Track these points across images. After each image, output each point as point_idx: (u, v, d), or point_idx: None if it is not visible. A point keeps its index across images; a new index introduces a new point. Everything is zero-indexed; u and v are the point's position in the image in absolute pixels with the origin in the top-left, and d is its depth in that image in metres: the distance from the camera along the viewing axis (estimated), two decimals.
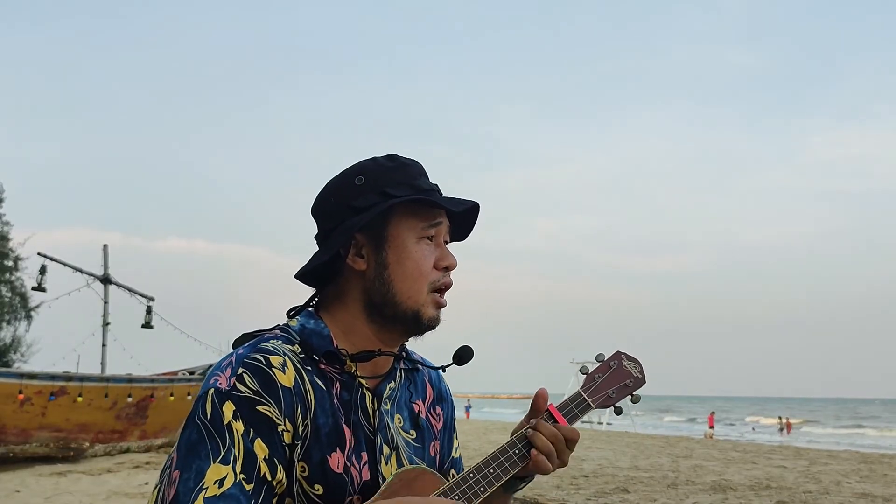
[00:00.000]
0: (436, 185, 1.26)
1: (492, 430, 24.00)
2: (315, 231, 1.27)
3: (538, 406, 1.30)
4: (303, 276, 1.25)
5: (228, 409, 1.07)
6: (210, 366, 3.32)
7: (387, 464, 1.19)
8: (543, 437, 1.25)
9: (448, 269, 1.24)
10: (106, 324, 14.92)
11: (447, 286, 1.24)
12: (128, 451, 11.94)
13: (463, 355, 1.31)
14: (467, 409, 47.28)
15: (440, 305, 1.23)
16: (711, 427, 33.22)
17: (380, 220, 1.19)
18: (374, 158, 1.24)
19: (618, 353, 1.42)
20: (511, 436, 1.29)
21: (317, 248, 1.26)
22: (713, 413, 36.67)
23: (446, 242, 1.27)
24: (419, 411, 1.32)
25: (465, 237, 1.31)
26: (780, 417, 41.72)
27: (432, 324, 1.23)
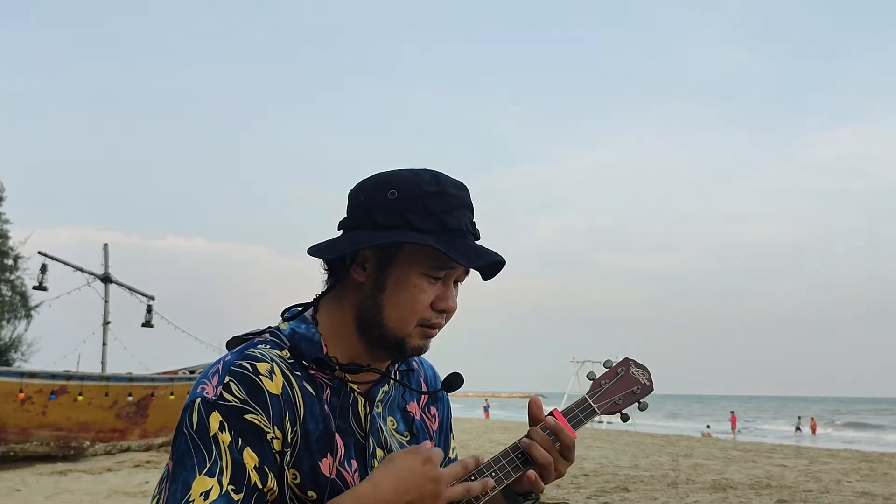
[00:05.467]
0: (472, 223, 1.19)
1: (492, 429, 23.99)
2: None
3: (533, 414, 1.27)
4: (315, 254, 1.21)
5: (215, 419, 1.06)
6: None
7: None
8: (541, 448, 1.22)
9: (444, 311, 1.19)
10: (106, 323, 14.91)
11: (438, 326, 1.20)
12: (128, 449, 11.94)
13: (453, 382, 1.30)
14: (486, 408, 46.75)
15: (428, 336, 1.20)
16: (734, 427, 32.43)
17: (391, 245, 1.15)
18: (419, 174, 1.17)
19: (626, 359, 1.40)
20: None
21: (337, 231, 1.23)
22: (733, 413, 35.51)
23: (459, 282, 1.22)
24: (413, 413, 1.30)
25: (488, 279, 1.23)
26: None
27: (416, 352, 1.21)
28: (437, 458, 1.11)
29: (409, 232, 1.13)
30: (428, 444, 1.14)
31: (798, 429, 37.00)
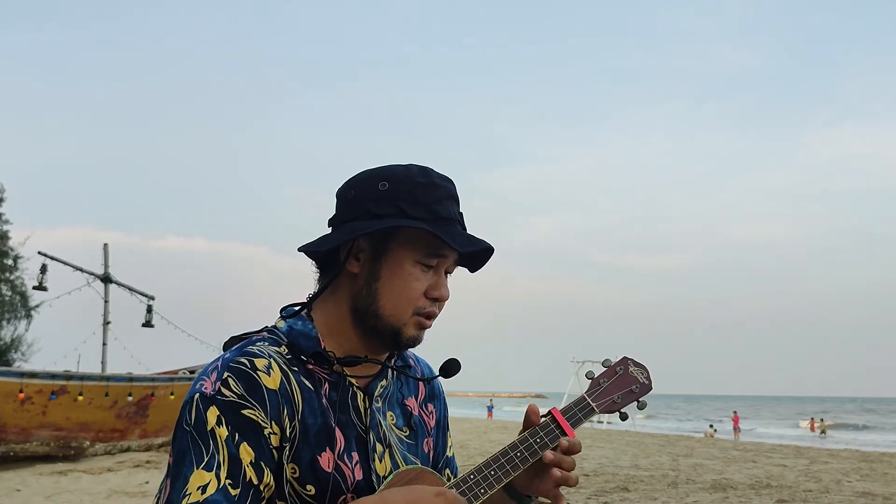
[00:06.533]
0: (460, 213, 1.23)
1: (492, 429, 23.98)
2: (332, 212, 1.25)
3: (531, 422, 1.27)
4: (306, 252, 1.24)
5: (212, 414, 1.07)
6: None
7: (380, 462, 1.19)
8: (571, 477, 1.22)
9: (437, 300, 1.22)
10: (106, 323, 14.90)
11: (432, 315, 1.22)
12: (128, 449, 11.94)
13: (449, 369, 1.32)
14: (489, 409, 46.65)
15: (423, 327, 1.22)
16: (736, 426, 31.86)
17: (385, 233, 1.18)
18: (409, 167, 1.22)
19: (624, 358, 1.40)
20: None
21: (329, 229, 1.25)
22: (736, 412, 34.38)
23: (449, 272, 1.24)
24: (412, 408, 1.32)
25: (475, 271, 1.29)
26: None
27: (411, 344, 1.22)
28: (454, 498, 1.11)
29: (404, 219, 1.16)
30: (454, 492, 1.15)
31: (823, 432, 36.09)
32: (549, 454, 1.22)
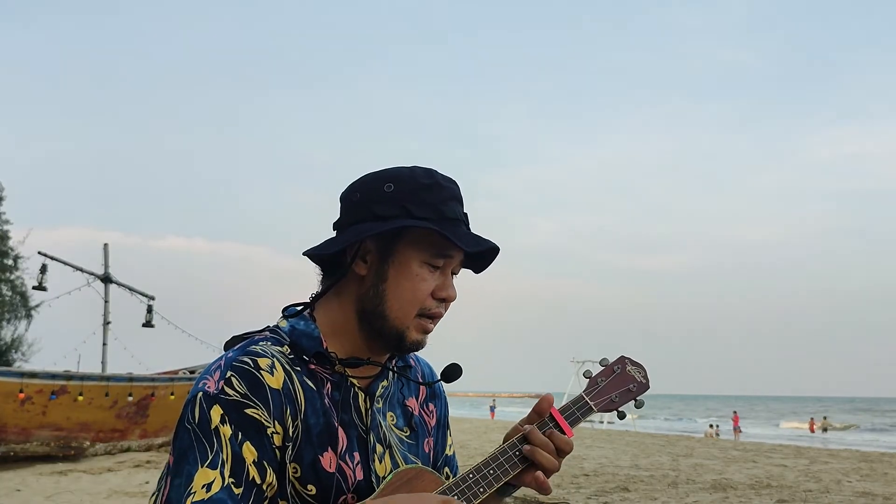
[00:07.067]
0: (465, 213, 1.24)
1: (492, 429, 23.98)
2: (337, 214, 1.26)
3: (541, 409, 1.28)
4: (311, 256, 1.24)
5: (216, 412, 1.07)
6: None
7: (380, 462, 1.20)
8: (545, 453, 1.22)
9: (445, 300, 1.23)
10: (106, 323, 14.91)
11: (438, 316, 1.23)
12: (128, 450, 11.94)
13: (451, 374, 1.32)
14: (492, 409, 46.68)
15: (426, 331, 1.23)
16: (737, 426, 31.57)
17: (392, 234, 1.19)
18: (413, 169, 1.22)
19: (622, 357, 1.41)
20: (504, 439, 1.27)
21: (333, 232, 1.25)
22: (736, 413, 34.06)
23: (455, 273, 1.25)
24: (412, 408, 1.32)
25: (480, 272, 1.29)
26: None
27: (414, 347, 1.23)
28: None
29: (410, 219, 1.17)
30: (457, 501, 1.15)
31: (825, 430, 35.89)
32: (544, 462, 1.22)
